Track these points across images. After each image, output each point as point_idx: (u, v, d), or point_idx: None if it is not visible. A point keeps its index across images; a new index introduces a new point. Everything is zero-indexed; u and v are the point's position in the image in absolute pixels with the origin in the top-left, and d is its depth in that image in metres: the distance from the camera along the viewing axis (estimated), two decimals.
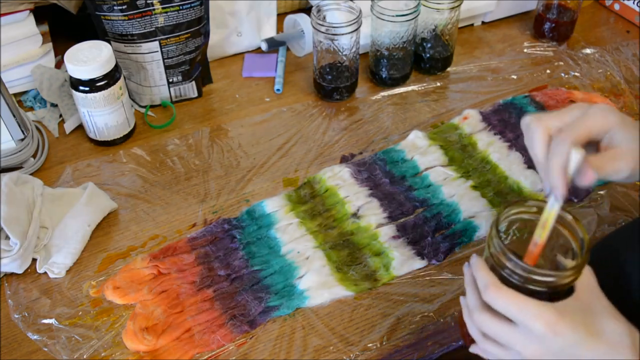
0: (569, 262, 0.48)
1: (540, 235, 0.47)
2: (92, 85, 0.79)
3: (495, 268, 0.47)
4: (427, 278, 0.69)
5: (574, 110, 0.49)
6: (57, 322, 0.64)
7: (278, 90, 0.95)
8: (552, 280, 0.44)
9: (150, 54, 0.86)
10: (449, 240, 0.72)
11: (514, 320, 0.44)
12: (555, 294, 0.45)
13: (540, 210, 0.47)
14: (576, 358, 0.43)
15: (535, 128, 0.48)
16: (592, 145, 0.50)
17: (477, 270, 0.47)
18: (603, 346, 0.42)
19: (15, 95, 0.91)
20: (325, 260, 0.70)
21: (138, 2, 0.81)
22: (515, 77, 0.98)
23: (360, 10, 0.86)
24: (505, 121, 0.88)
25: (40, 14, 0.92)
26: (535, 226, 0.47)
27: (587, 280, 0.46)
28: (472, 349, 0.50)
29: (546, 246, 0.47)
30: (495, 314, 0.45)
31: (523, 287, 0.45)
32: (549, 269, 0.45)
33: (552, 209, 0.46)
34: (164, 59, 0.88)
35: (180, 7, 0.83)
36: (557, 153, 0.46)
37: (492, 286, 0.45)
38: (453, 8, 0.91)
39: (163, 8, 0.83)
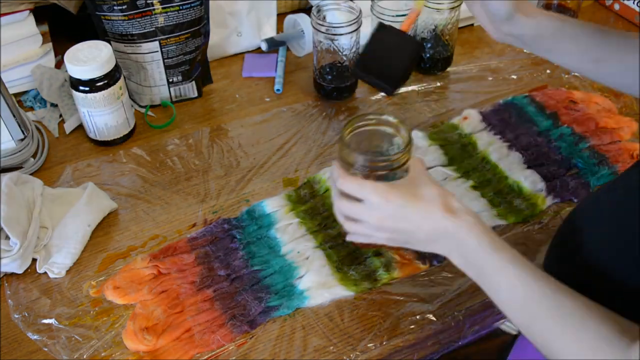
0: (396, 149, 0.60)
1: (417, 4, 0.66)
2: (92, 85, 0.79)
3: (346, 166, 0.58)
4: (427, 278, 0.69)
5: None
6: (57, 322, 0.64)
7: (278, 90, 0.95)
8: (387, 163, 0.57)
9: (150, 54, 0.86)
10: None
11: (360, 198, 0.57)
12: (393, 176, 0.57)
13: (379, 122, 0.60)
14: (406, 217, 0.55)
15: None
16: None
17: (333, 170, 0.59)
18: (422, 204, 0.55)
19: (15, 95, 0.91)
20: (325, 260, 0.70)
21: (138, 2, 0.81)
22: (515, 77, 0.98)
23: (360, 10, 0.86)
24: (505, 121, 0.88)
25: (40, 14, 0.92)
26: (376, 137, 0.60)
27: (416, 165, 0.59)
28: (348, 238, 0.62)
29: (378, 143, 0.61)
30: (349, 197, 0.58)
31: (371, 176, 0.57)
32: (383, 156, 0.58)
33: None
34: (164, 59, 0.88)
35: (180, 7, 0.83)
36: None
37: (342, 176, 0.58)
38: (453, 8, 0.91)
39: (163, 8, 0.83)
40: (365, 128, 0.60)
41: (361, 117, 0.60)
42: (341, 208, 0.59)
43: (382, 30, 0.65)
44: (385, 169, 0.57)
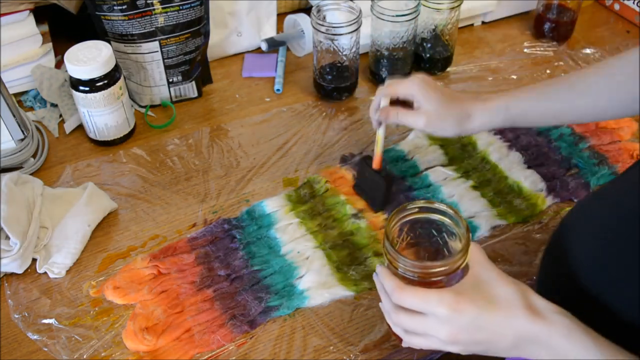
0: (457, 245, 0.53)
1: (376, 149, 0.74)
2: (92, 85, 0.79)
3: (396, 272, 0.51)
4: None
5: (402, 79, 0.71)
6: (57, 322, 0.64)
7: (278, 90, 0.95)
8: (445, 268, 0.49)
9: (150, 54, 0.86)
10: None
11: (423, 312, 0.49)
12: (456, 277, 0.50)
13: (420, 210, 0.54)
14: (483, 326, 0.48)
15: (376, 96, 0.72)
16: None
17: (382, 277, 0.52)
18: (501, 310, 0.47)
19: (15, 95, 0.91)
20: (325, 260, 0.70)
21: (138, 2, 0.81)
22: (515, 77, 0.98)
23: (360, 10, 0.86)
24: None
25: (40, 14, 0.92)
26: (421, 223, 0.54)
27: (476, 257, 0.51)
28: (404, 344, 0.54)
29: (434, 236, 0.55)
30: (408, 310, 0.50)
31: (424, 282, 0.50)
32: (442, 259, 0.51)
33: (379, 132, 0.73)
34: (164, 59, 0.88)
35: (180, 7, 0.83)
36: (374, 100, 0.73)
37: (396, 289, 0.50)
38: (453, 8, 0.91)
39: (163, 8, 0.83)
40: (413, 217, 0.54)
41: (407, 206, 0.53)
42: (402, 323, 0.51)
43: (363, 164, 0.77)
44: (444, 274, 0.50)
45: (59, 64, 0.94)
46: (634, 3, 1.09)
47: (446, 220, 0.53)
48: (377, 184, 0.75)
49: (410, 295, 0.49)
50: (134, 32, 0.84)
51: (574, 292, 0.52)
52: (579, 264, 0.53)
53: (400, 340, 0.54)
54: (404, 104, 0.71)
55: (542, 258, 0.62)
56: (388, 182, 0.75)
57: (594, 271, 0.52)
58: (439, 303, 0.48)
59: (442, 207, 0.53)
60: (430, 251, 0.56)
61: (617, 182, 0.59)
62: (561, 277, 0.55)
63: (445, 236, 0.54)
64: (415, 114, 0.69)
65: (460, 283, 0.50)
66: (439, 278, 0.50)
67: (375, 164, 0.75)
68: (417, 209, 0.54)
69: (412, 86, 0.69)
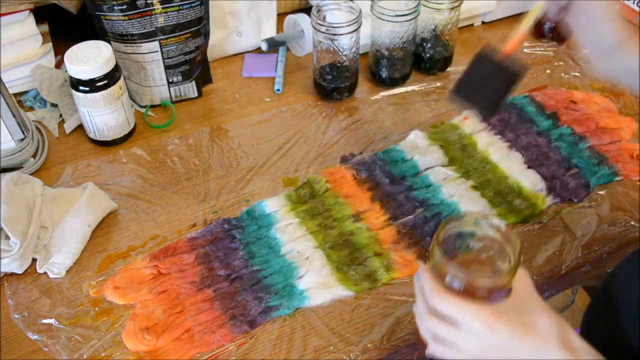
0: (505, 267, 0.51)
1: (522, 25, 0.60)
2: (92, 85, 0.79)
3: (439, 276, 0.50)
4: None
5: None
6: (57, 322, 0.64)
7: (278, 90, 0.95)
8: (489, 285, 0.48)
9: (150, 54, 0.86)
10: None
11: (456, 322, 0.48)
12: (496, 297, 0.49)
13: (476, 223, 0.52)
14: (513, 351, 0.47)
15: None
16: None
17: (423, 279, 0.51)
18: (535, 338, 0.47)
19: (15, 95, 0.91)
20: (325, 260, 0.70)
21: (138, 2, 0.81)
22: None
23: (360, 10, 0.86)
24: (505, 121, 0.88)
25: (40, 14, 0.92)
26: (474, 236, 0.53)
27: (523, 282, 0.50)
28: (428, 353, 0.53)
29: (484, 251, 0.53)
30: (442, 318, 0.49)
31: (465, 293, 0.49)
32: (487, 274, 0.50)
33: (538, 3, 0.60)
34: (164, 59, 0.88)
35: (180, 7, 0.83)
36: None
37: (435, 292, 0.49)
38: (453, 8, 0.91)
39: (163, 8, 0.83)
40: (468, 229, 0.53)
41: (465, 216, 0.53)
42: (431, 328, 0.51)
43: (483, 55, 0.64)
44: (488, 290, 0.49)
45: (59, 64, 0.94)
46: (634, 3, 1.09)
47: (499, 238, 0.52)
48: (501, 79, 0.61)
49: (448, 302, 0.48)
50: (134, 32, 0.84)
51: (619, 349, 0.50)
52: (627, 319, 0.51)
53: (424, 346, 0.53)
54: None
55: (588, 307, 0.60)
56: (518, 75, 0.61)
57: None
58: (476, 316, 0.47)
59: (499, 224, 0.52)
60: (477, 266, 0.54)
61: None
62: (606, 331, 0.53)
63: (495, 254, 0.53)
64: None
65: (499, 303, 0.49)
66: (481, 293, 0.49)
67: (510, 47, 0.62)
68: (473, 221, 0.52)
69: None
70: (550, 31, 1.05)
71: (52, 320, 0.64)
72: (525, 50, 1.04)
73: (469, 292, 0.49)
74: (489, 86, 0.63)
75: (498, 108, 0.65)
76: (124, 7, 0.81)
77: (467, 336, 0.48)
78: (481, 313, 0.47)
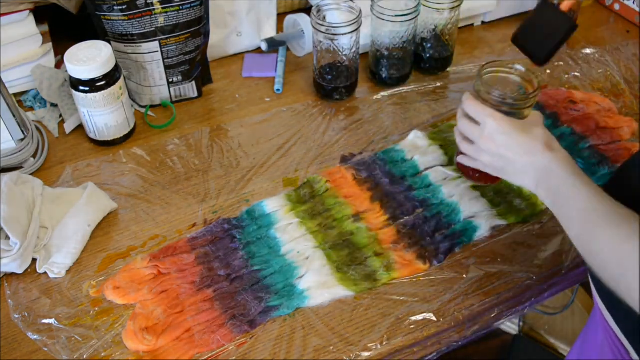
0: (527, 104, 0.67)
1: None
2: (92, 85, 0.79)
3: (477, 96, 0.67)
4: (427, 278, 0.69)
5: None
6: (57, 322, 0.64)
7: (278, 90, 0.95)
8: (516, 103, 0.65)
9: (150, 54, 0.86)
10: (449, 240, 0.72)
11: (477, 120, 0.65)
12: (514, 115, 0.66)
13: (512, 71, 0.69)
14: (510, 145, 0.63)
15: None
16: None
17: (465, 97, 0.67)
18: (527, 139, 0.62)
19: (15, 95, 0.91)
20: (325, 260, 0.70)
21: (138, 2, 0.81)
22: None
23: (360, 10, 0.86)
24: None
25: (40, 14, 0.92)
26: (507, 83, 0.69)
27: (535, 116, 0.66)
28: (456, 159, 0.72)
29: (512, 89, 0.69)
30: (470, 119, 0.67)
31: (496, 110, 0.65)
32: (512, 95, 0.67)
33: None
34: (164, 59, 0.88)
35: (180, 7, 0.84)
36: None
37: (468, 99, 0.66)
38: (453, 8, 0.91)
39: (163, 8, 0.83)
40: (500, 73, 0.69)
41: (497, 62, 0.69)
42: (460, 127, 0.68)
43: (544, 6, 0.73)
44: (509, 107, 0.65)
45: (59, 64, 0.94)
46: (634, 3, 1.09)
47: (519, 79, 0.69)
48: (557, 27, 0.71)
49: (474, 104, 0.65)
50: (134, 32, 0.84)
51: None
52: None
53: (463, 168, 0.73)
54: None
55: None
56: (572, 27, 0.71)
57: None
58: (491, 115, 0.64)
59: (525, 70, 0.68)
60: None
61: None
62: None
63: (516, 96, 0.67)
64: None
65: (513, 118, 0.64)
66: (505, 110, 0.65)
67: (566, 5, 0.71)
68: (508, 69, 0.69)
69: None
70: None
71: (52, 320, 0.64)
72: None
73: (501, 111, 0.65)
74: (547, 34, 0.73)
75: (552, 57, 0.74)
76: (124, 7, 0.81)
77: (481, 130, 0.64)
78: (496, 114, 0.64)
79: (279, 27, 1.05)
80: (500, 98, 0.65)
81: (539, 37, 0.74)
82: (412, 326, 0.64)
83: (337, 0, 0.89)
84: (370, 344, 0.62)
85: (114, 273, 0.69)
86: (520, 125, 0.63)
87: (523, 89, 0.68)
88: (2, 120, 0.76)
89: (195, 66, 0.91)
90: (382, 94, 0.95)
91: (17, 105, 0.80)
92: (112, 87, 0.80)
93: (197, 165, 0.83)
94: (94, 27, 0.84)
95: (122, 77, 0.82)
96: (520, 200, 0.77)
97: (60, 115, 0.90)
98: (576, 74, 0.98)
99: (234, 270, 0.69)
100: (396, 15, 0.86)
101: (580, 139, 0.85)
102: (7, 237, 0.68)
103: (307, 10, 1.05)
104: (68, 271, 0.69)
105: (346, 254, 0.71)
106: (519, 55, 1.02)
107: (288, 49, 1.03)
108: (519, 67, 0.69)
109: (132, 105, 0.89)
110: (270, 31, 1.03)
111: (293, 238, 0.72)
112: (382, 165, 0.81)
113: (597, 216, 0.54)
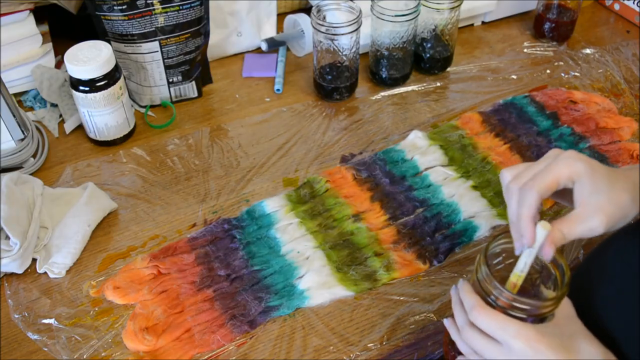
0: (550, 293, 0.51)
1: (517, 281, 0.49)
2: (92, 85, 0.79)
3: (481, 292, 0.50)
4: (427, 278, 0.69)
5: (545, 159, 0.51)
6: (57, 322, 0.64)
7: (278, 90, 0.95)
8: (533, 310, 0.47)
9: (150, 54, 0.86)
10: (449, 240, 0.72)
11: (497, 339, 0.47)
12: (535, 320, 0.48)
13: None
14: None
15: (512, 189, 0.51)
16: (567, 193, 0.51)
17: (464, 293, 0.50)
18: None
19: (15, 95, 0.91)
20: (325, 260, 0.70)
21: (138, 2, 0.81)
22: (515, 77, 0.98)
23: (360, 10, 0.86)
24: (505, 121, 0.88)
25: (40, 14, 0.92)
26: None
27: (566, 309, 0.49)
28: None
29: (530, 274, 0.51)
30: (482, 332, 0.48)
31: (506, 312, 0.48)
32: (531, 298, 0.48)
33: (526, 258, 0.49)
34: (164, 59, 0.88)
35: (180, 7, 0.84)
36: (525, 204, 0.49)
37: (477, 307, 0.48)
38: (453, 8, 0.91)
39: (163, 8, 0.83)
40: (509, 244, 0.51)
41: (508, 234, 0.51)
42: (471, 342, 0.50)
43: None
44: (530, 314, 0.48)
45: (59, 64, 0.94)
46: (634, 3, 1.09)
47: (549, 264, 0.50)
48: None
49: (489, 318, 0.47)
50: (134, 32, 0.84)
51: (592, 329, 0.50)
52: (603, 302, 0.51)
53: (453, 359, 0.54)
54: None
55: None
56: None
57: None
58: (517, 335, 0.46)
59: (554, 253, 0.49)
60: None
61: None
62: (580, 312, 0.52)
63: (540, 278, 0.52)
64: (583, 219, 0.48)
65: (543, 325, 0.48)
66: (520, 315, 0.48)
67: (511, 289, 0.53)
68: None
69: (570, 167, 0.49)
70: (550, 31, 1.05)
71: (52, 320, 0.64)
72: (525, 50, 1.04)
73: (509, 312, 0.48)
74: None
75: None
76: (124, 7, 0.81)
77: (506, 354, 0.47)
78: (523, 332, 0.46)
79: (279, 27, 1.05)
80: (515, 301, 0.47)
81: None
82: (412, 326, 0.64)
83: (337, 0, 0.89)
84: (370, 344, 0.63)
85: (114, 273, 0.69)
86: (561, 341, 0.46)
87: (550, 275, 0.51)
88: (2, 120, 0.76)
89: (195, 66, 0.91)
90: (382, 94, 0.95)
91: (17, 105, 0.80)
92: (112, 87, 0.80)
93: (197, 165, 0.83)
94: (94, 27, 0.84)
95: (122, 77, 0.82)
96: None
97: (60, 115, 0.90)
98: (576, 74, 0.99)
99: (234, 270, 0.69)
100: (396, 15, 0.86)
101: (580, 139, 0.85)
102: (7, 237, 0.68)
103: (307, 10, 1.05)
104: (68, 271, 0.69)
105: (346, 254, 0.71)
106: (519, 56, 1.03)
107: (288, 49, 1.03)
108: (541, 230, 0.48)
109: (132, 105, 0.89)
110: (270, 31, 1.03)
111: (293, 238, 0.72)
112: (382, 165, 0.81)
113: None
